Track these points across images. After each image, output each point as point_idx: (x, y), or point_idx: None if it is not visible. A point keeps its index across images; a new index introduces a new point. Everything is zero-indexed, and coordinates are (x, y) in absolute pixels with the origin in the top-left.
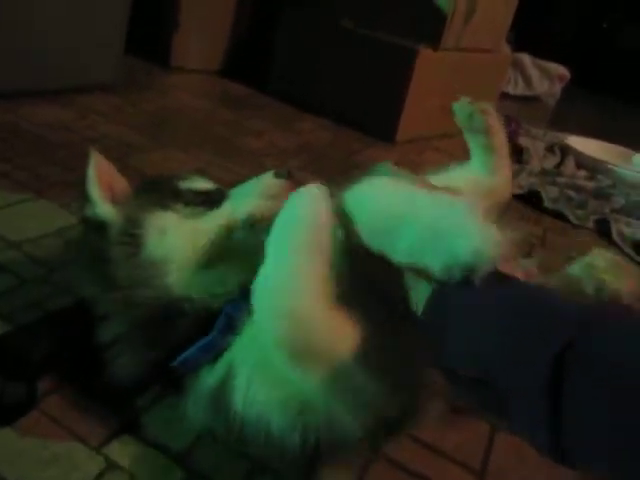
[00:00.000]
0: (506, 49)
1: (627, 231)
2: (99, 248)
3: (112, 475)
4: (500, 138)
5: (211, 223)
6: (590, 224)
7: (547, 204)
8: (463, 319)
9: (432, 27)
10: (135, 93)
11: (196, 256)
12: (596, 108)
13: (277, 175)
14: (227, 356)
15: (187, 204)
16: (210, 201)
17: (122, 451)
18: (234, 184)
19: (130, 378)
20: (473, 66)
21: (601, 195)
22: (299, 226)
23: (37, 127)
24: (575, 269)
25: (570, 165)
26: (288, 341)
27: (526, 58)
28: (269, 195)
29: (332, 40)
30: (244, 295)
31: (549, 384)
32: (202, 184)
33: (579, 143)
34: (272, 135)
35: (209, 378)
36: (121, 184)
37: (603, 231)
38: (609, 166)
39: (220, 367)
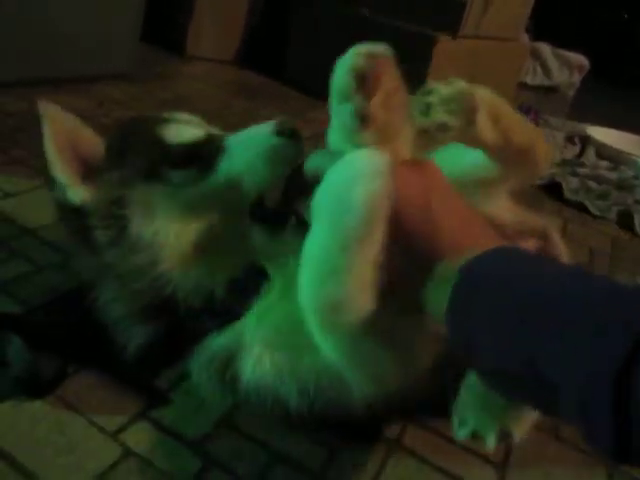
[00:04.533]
0: (525, 38)
1: None
2: (80, 233)
3: (128, 462)
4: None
5: (209, 197)
6: (612, 215)
7: (568, 195)
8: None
9: (451, 15)
10: (150, 82)
11: (192, 240)
12: (615, 99)
13: (279, 131)
14: (236, 328)
15: (175, 166)
16: (202, 157)
17: (139, 438)
18: None
19: (141, 350)
20: (491, 55)
21: (624, 186)
22: (353, 217)
23: None
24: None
25: (591, 155)
26: (326, 327)
27: (545, 48)
28: (275, 161)
29: (349, 28)
30: (249, 275)
31: (618, 373)
32: (189, 130)
33: (600, 134)
34: None
35: (215, 345)
36: (90, 142)
37: (626, 222)
38: (632, 157)
39: (228, 337)
